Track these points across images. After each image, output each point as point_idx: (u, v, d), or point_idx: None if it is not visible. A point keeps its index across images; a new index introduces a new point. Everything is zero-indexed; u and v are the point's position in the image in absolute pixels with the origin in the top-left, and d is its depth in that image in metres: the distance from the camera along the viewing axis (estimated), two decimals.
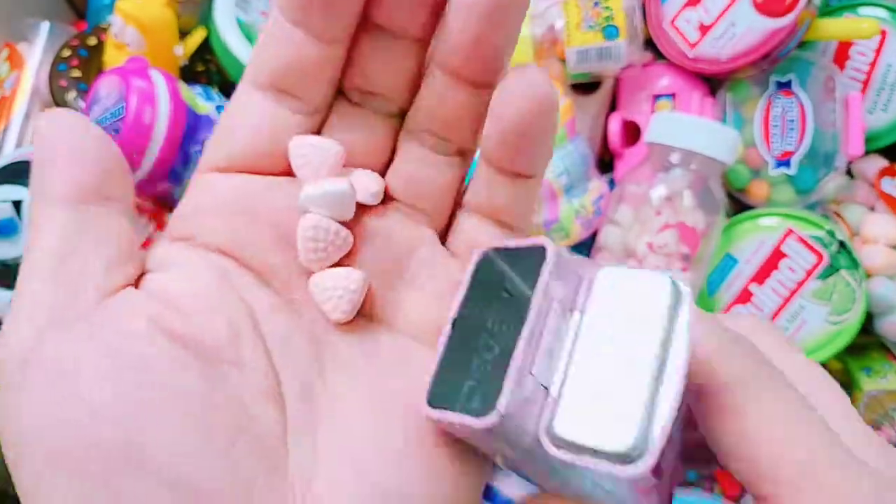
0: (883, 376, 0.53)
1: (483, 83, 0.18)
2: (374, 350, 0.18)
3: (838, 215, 0.54)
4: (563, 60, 0.52)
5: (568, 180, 0.52)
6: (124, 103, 0.43)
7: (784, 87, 0.52)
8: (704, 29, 0.50)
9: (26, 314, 0.15)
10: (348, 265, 0.19)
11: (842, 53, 0.54)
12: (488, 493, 0.46)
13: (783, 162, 0.52)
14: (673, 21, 0.52)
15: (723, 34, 0.50)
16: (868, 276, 0.51)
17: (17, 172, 0.49)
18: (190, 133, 0.46)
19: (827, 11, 0.54)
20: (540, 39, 0.52)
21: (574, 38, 0.51)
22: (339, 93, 0.19)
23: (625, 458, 0.14)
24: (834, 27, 0.50)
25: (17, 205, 0.48)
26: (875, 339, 0.55)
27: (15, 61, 0.58)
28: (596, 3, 0.50)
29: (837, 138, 0.51)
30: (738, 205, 0.55)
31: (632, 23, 0.51)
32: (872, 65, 0.53)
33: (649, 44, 0.54)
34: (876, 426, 0.50)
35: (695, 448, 0.18)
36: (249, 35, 0.50)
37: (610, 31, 0.50)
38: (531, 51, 0.51)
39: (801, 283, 0.50)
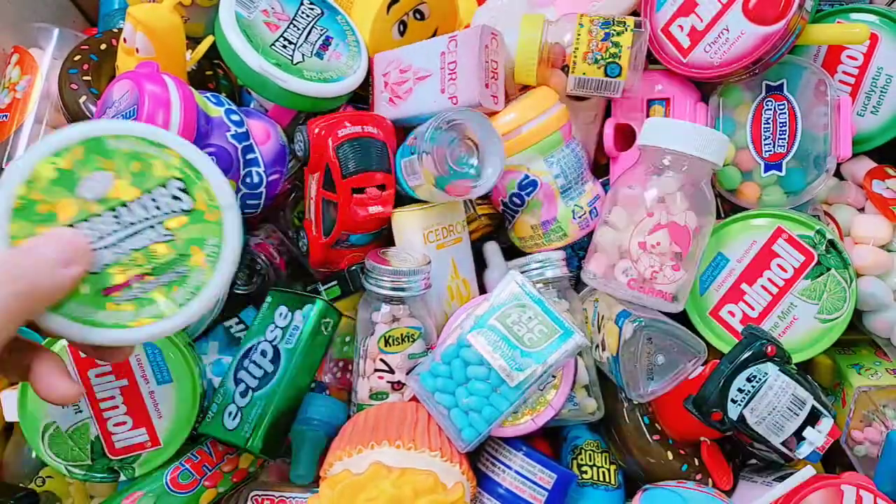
0: (874, 373, 0.54)
1: None
2: None
3: (829, 216, 0.55)
4: (567, 72, 0.53)
5: (565, 182, 0.53)
6: (137, 106, 0.44)
7: (775, 90, 0.53)
8: (697, 35, 0.51)
9: None
10: None
11: (833, 57, 0.55)
12: (488, 486, 0.47)
13: (774, 164, 0.53)
14: (666, 27, 0.53)
15: (715, 41, 0.50)
16: (858, 275, 0.52)
17: None
18: (202, 136, 0.47)
19: (818, 17, 0.56)
20: (549, 46, 0.52)
21: (578, 67, 0.51)
22: None
23: None
24: (826, 32, 0.51)
25: None
26: (865, 337, 0.56)
27: (27, 66, 0.60)
28: (606, 36, 0.50)
29: (828, 141, 0.52)
30: (730, 206, 0.56)
31: (635, 60, 0.51)
32: (862, 69, 0.54)
33: None
34: (867, 422, 0.51)
35: None
36: (246, 32, 0.50)
37: (612, 69, 0.50)
38: (536, 54, 0.52)
39: (791, 282, 0.51)
